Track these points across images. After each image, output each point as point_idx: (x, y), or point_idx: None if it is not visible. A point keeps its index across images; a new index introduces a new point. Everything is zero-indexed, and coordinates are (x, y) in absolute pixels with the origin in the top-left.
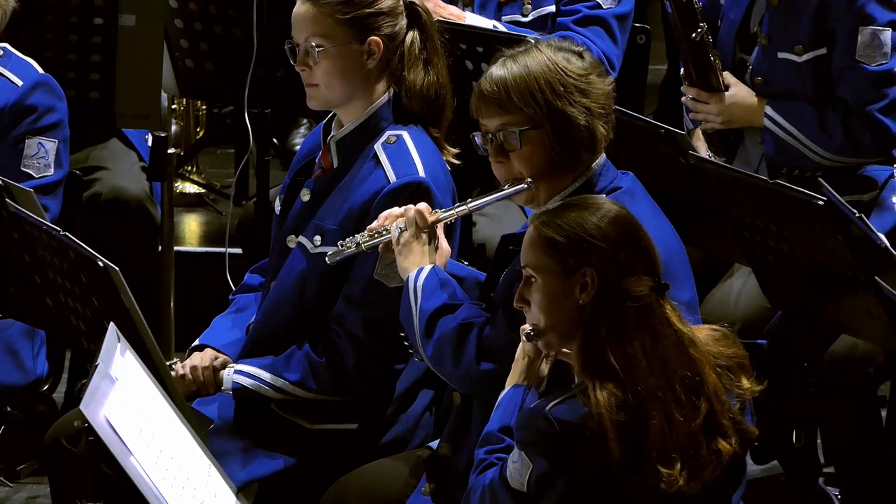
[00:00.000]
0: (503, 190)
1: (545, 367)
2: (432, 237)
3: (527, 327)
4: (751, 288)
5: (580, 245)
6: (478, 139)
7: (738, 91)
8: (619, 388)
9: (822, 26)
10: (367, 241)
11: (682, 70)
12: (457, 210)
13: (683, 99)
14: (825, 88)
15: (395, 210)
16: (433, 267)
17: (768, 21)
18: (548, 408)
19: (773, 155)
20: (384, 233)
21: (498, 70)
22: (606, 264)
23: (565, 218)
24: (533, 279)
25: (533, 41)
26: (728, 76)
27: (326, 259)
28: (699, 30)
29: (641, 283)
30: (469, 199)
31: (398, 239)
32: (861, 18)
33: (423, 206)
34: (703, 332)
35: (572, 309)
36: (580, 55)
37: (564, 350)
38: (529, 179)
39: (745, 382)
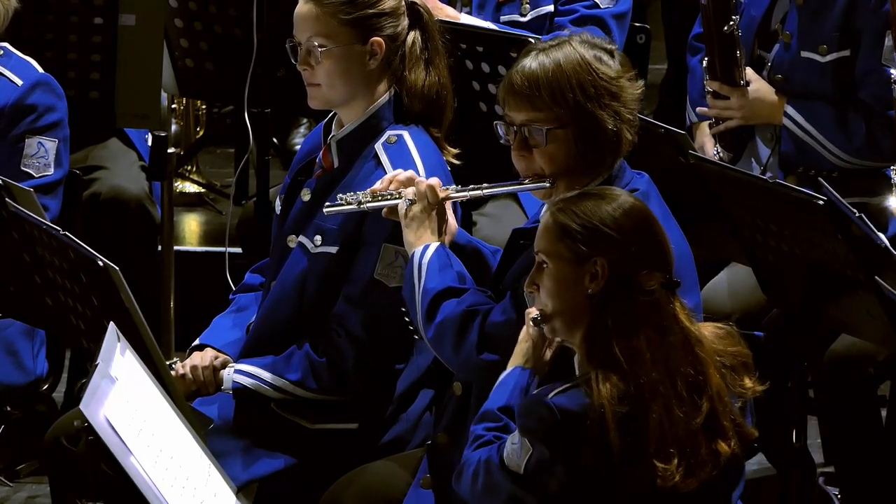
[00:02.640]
0: (523, 184)
1: (549, 353)
2: (441, 214)
3: (533, 311)
4: (747, 279)
5: (594, 234)
6: (500, 129)
7: (761, 87)
8: (622, 380)
9: (848, 28)
10: (369, 202)
11: (705, 62)
12: (470, 191)
13: (707, 98)
14: (846, 90)
15: (401, 173)
16: (440, 245)
17: (792, 19)
18: (550, 396)
19: (790, 154)
20: (388, 197)
21: (530, 63)
22: (618, 256)
23: (582, 206)
24: (545, 264)
25: (567, 35)
26: (749, 72)
27: (324, 210)
28: (731, 23)
29: (652, 278)
30: (484, 184)
31: (406, 212)
32: (888, 22)
33: (434, 181)
34: (707, 329)
35: (581, 297)
36: (612, 53)
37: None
38: (551, 179)
39: (748, 382)
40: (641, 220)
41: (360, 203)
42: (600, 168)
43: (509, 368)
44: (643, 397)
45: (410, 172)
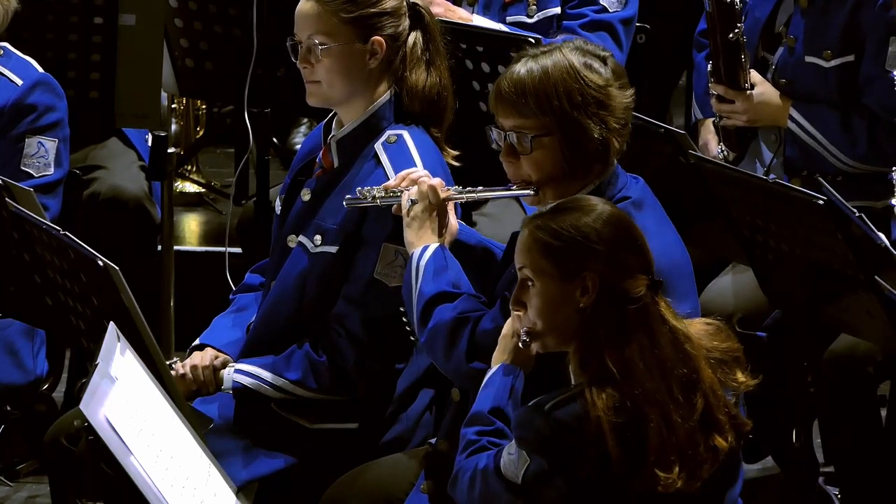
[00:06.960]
0: (510, 190)
1: (534, 348)
2: (442, 214)
3: (520, 330)
4: (750, 279)
5: (578, 248)
6: (493, 134)
7: (765, 90)
8: (617, 390)
9: (852, 33)
10: (382, 197)
11: (709, 66)
12: (467, 194)
13: (712, 101)
14: (850, 95)
15: (414, 171)
16: (439, 246)
17: (797, 24)
18: (546, 407)
19: (795, 157)
20: (399, 194)
21: (519, 70)
22: (606, 267)
23: (561, 221)
24: (530, 282)
25: (561, 41)
26: (754, 75)
27: (343, 202)
28: (736, 30)
29: (639, 283)
30: (480, 187)
31: (408, 211)
32: (893, 27)
33: (437, 181)
34: (696, 327)
35: (571, 312)
36: (604, 61)
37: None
38: (535, 187)
39: (740, 376)
40: (621, 228)
41: (374, 198)
42: (588, 176)
43: (494, 366)
44: (640, 407)
45: (422, 171)
